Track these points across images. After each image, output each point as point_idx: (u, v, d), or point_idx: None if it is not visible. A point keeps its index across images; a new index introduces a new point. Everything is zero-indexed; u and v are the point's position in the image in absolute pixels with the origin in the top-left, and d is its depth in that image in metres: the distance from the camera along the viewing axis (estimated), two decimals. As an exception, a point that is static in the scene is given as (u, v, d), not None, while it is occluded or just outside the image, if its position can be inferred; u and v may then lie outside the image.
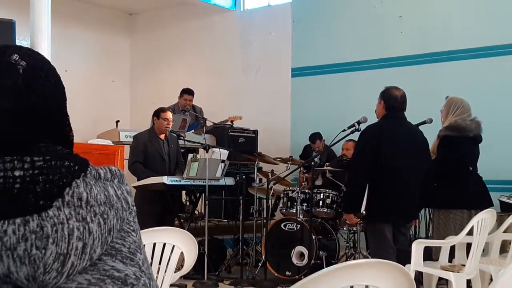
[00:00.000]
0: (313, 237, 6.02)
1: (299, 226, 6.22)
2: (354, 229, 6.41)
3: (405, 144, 4.71)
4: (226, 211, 7.99)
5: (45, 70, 1.18)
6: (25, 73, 1.13)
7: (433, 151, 5.02)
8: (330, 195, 6.46)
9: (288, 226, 6.31)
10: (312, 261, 5.99)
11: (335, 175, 6.89)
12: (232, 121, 8.70)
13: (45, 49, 3.36)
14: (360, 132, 4.94)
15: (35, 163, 1.06)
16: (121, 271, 1.10)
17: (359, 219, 4.96)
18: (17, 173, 1.04)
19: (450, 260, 4.64)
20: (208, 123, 8.18)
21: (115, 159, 4.39)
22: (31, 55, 1.18)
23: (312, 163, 6.13)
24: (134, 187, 6.14)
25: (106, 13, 11.36)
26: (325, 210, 6.44)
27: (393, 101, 4.73)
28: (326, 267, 5.27)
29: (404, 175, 4.63)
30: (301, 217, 6.33)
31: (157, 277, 2.68)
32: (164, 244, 2.67)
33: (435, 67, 8.26)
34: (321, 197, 6.46)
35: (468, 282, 4.39)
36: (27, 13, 3.52)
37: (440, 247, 4.68)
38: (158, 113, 6.55)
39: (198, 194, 6.86)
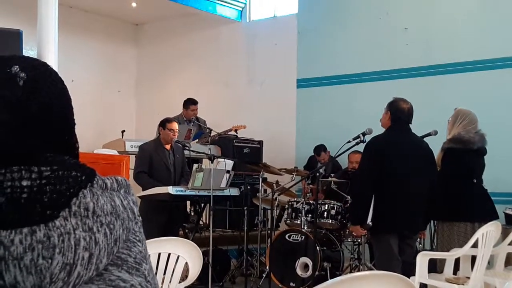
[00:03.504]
0: (318, 248, 6.01)
1: (303, 237, 6.21)
2: (359, 240, 6.40)
3: (411, 155, 4.71)
4: (230, 221, 7.99)
5: (48, 82, 1.16)
6: (26, 85, 1.12)
7: (438, 163, 5.01)
8: (335, 206, 6.45)
9: (293, 237, 6.30)
10: (317, 273, 5.98)
11: (340, 186, 6.87)
12: (236, 130, 8.70)
13: (52, 59, 3.39)
14: (365, 143, 4.95)
15: (43, 173, 1.06)
16: (127, 282, 1.10)
17: (365, 231, 4.94)
18: (24, 183, 1.04)
19: (454, 273, 4.62)
20: (213, 134, 8.18)
21: (120, 169, 4.41)
22: (35, 66, 1.16)
23: (317, 174, 6.12)
24: (140, 197, 6.15)
25: (112, 23, 11.42)
26: (330, 221, 6.43)
27: (399, 114, 4.74)
28: (330, 278, 5.27)
29: (409, 186, 4.63)
30: (305, 228, 6.32)
31: (162, 287, 2.68)
32: (169, 254, 2.68)
33: (440, 79, 8.26)
34: (326, 208, 6.45)
35: (473, 294, 4.37)
36: (34, 23, 3.55)
37: (444, 259, 4.67)
38: (164, 124, 6.56)
39: (202, 204, 6.87)
